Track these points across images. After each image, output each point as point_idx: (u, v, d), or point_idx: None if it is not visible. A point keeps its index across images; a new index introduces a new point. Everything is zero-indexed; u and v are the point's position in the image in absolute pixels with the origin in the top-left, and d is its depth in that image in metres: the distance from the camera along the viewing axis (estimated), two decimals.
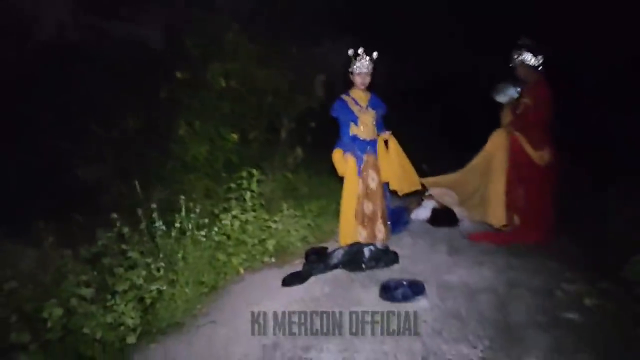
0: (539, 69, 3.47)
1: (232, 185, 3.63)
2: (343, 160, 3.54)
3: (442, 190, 4.23)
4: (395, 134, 3.71)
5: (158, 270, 2.46)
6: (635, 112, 4.62)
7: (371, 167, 3.60)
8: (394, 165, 3.66)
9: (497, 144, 3.74)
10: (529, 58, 3.43)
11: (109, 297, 2.15)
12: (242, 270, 3.20)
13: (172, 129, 4.47)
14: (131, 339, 2.13)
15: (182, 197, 2.89)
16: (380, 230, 3.62)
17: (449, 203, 4.22)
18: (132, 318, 2.14)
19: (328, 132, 5.81)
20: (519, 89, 3.67)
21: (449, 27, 7.65)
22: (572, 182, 3.76)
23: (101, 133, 4.14)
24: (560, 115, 3.47)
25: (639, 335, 1.96)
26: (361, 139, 3.55)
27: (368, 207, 3.60)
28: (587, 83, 5.74)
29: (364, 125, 3.54)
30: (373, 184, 3.60)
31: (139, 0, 5.16)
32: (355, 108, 3.53)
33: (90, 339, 1.97)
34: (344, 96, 3.61)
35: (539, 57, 3.41)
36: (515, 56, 3.51)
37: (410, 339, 2.16)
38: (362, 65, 3.52)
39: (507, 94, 3.74)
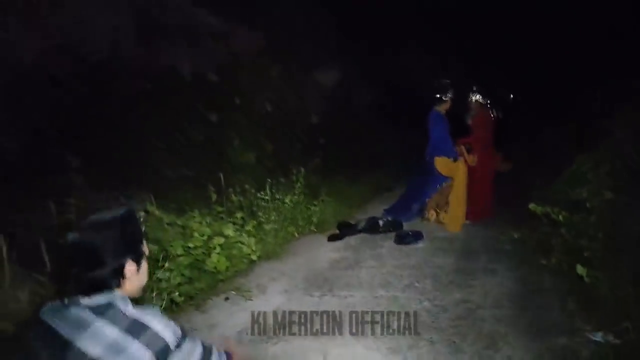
0: (484, 104, 5.22)
1: (282, 179, 5.20)
2: (452, 164, 4.83)
3: None
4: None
5: (267, 220, 4.03)
6: None
7: None
8: None
9: None
10: (479, 97, 5.18)
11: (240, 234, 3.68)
12: (296, 235, 4.74)
13: (227, 140, 6.01)
14: (254, 257, 3.64)
15: (268, 180, 4.46)
16: None
17: None
18: (254, 245, 3.66)
19: (332, 148, 7.51)
20: None
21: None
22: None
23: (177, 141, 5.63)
24: None
25: (539, 250, 3.64)
26: None
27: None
28: None
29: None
30: None
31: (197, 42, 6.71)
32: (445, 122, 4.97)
33: (239, 252, 3.49)
34: (438, 111, 4.97)
35: (485, 98, 5.18)
36: (471, 96, 5.26)
37: (415, 257, 3.76)
38: (451, 94, 4.93)
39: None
